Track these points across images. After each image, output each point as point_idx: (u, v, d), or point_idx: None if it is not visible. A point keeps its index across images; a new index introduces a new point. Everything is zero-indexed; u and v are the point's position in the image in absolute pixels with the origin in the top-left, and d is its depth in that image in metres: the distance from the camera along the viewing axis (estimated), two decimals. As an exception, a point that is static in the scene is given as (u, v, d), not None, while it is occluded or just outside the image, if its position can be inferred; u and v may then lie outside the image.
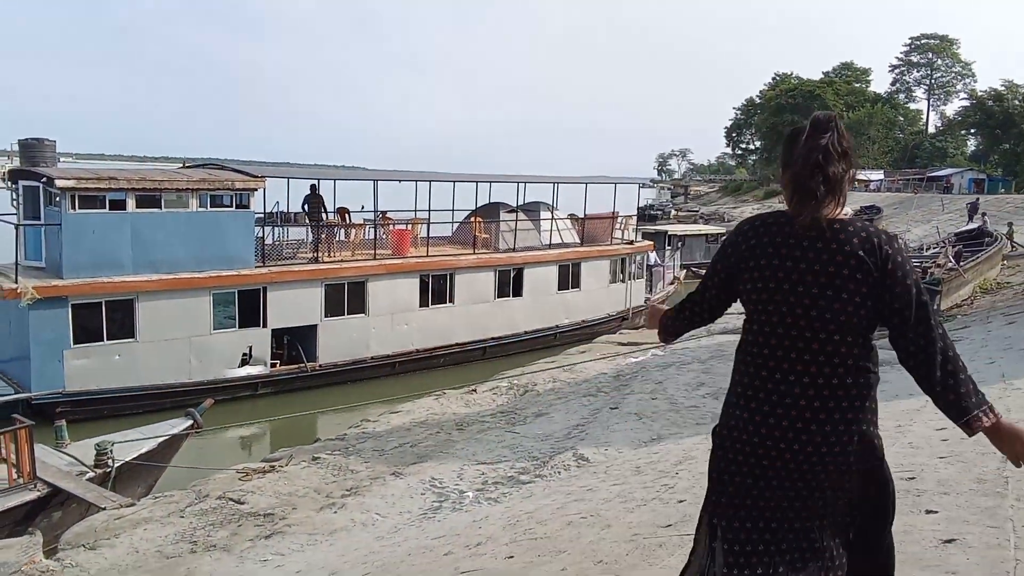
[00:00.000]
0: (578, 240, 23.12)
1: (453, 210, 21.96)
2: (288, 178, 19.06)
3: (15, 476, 8.45)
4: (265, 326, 16.24)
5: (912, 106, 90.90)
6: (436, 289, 19.24)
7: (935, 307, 2.18)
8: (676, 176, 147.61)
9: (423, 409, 13.32)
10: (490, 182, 22.60)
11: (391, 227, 19.78)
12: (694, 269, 34.13)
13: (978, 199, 42.73)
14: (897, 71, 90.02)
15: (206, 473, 10.25)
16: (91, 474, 9.26)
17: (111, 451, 9.45)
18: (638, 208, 28.96)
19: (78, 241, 14.21)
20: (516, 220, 21.34)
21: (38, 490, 8.52)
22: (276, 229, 18.62)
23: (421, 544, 6.40)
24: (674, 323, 2.57)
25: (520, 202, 22.73)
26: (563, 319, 21.95)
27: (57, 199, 14.36)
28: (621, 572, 4.14)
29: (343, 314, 17.42)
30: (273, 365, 16.47)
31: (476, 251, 20.44)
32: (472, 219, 21.46)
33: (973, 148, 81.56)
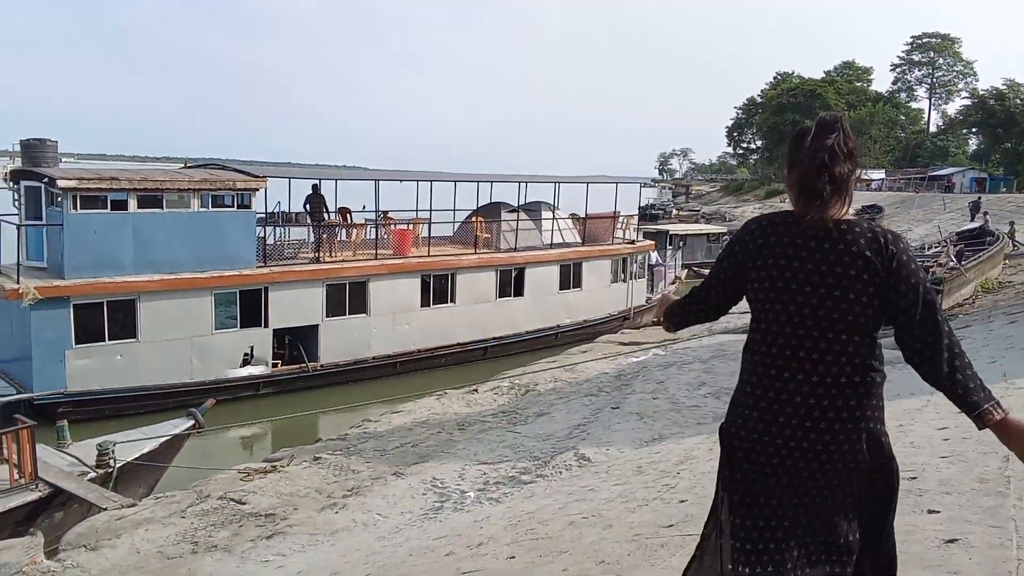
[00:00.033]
0: (579, 240, 23.12)
1: (454, 210, 21.95)
2: (289, 178, 19.07)
3: (17, 476, 8.45)
4: (266, 326, 16.25)
5: (913, 105, 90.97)
6: (437, 289, 19.24)
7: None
8: (677, 175, 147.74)
9: (424, 409, 13.32)
10: (491, 182, 22.59)
11: (392, 227, 19.78)
12: (695, 269, 34.12)
13: (980, 198, 42.69)
14: (898, 70, 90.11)
15: (207, 473, 10.25)
16: (92, 474, 9.26)
17: (112, 451, 9.45)
18: (639, 208, 28.93)
19: (80, 241, 14.22)
20: (517, 220, 21.34)
21: (39, 490, 8.53)
22: (277, 229, 18.63)
23: (422, 544, 6.40)
24: (680, 313, 2.60)
25: (521, 202, 22.74)
26: (564, 319, 21.95)
27: (59, 199, 14.37)
28: (623, 572, 4.13)
29: (344, 314, 17.42)
30: (274, 365, 16.48)
31: (477, 251, 20.44)
32: (473, 219, 21.45)
33: (974, 147, 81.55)
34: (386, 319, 18.05)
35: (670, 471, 6.89)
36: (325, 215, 19.33)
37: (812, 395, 2.14)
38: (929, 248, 27.04)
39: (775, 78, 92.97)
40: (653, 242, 27.83)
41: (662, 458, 7.82)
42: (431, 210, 20.15)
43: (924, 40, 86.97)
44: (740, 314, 2.54)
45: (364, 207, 20.19)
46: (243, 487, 9.28)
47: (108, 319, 14.33)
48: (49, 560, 7.30)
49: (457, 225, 22.38)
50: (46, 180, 14.51)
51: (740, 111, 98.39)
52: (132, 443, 9.99)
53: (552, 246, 22.17)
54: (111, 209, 14.64)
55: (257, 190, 16.45)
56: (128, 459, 9.71)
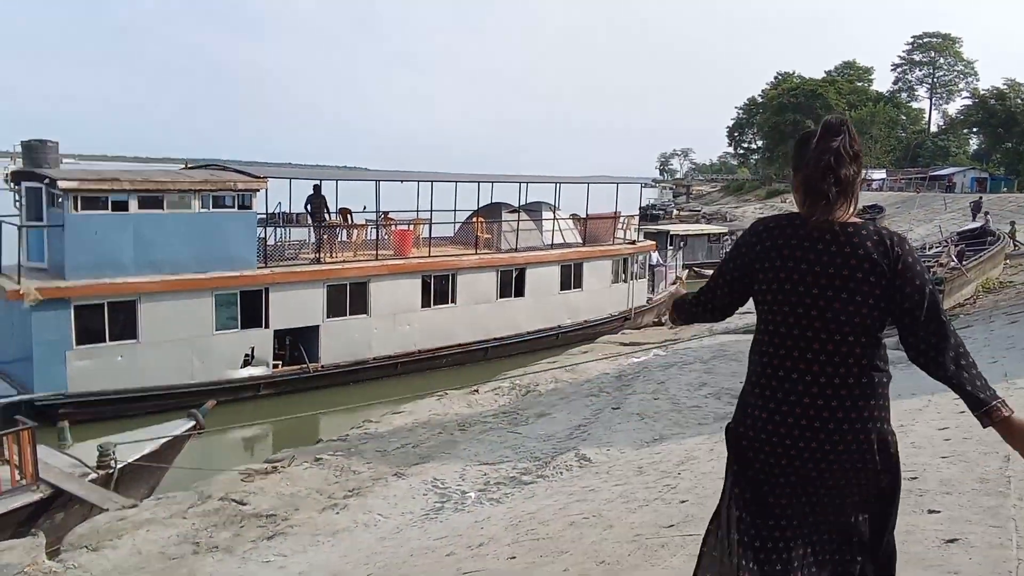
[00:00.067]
0: (580, 240, 23.11)
1: (455, 210, 21.95)
2: (290, 179, 19.06)
3: (18, 477, 8.45)
4: (267, 327, 16.25)
5: (914, 105, 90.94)
6: (438, 289, 19.23)
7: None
8: (678, 176, 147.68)
9: (425, 410, 13.33)
10: (492, 182, 22.59)
11: (393, 227, 19.78)
12: (696, 269, 34.10)
13: (981, 198, 42.65)
14: (899, 70, 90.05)
15: (208, 474, 10.26)
16: (94, 475, 9.26)
17: (114, 452, 9.45)
18: (640, 208, 28.91)
19: (80, 242, 14.22)
20: (518, 220, 21.33)
21: (41, 491, 8.52)
22: (278, 230, 18.63)
23: (423, 545, 6.41)
24: (687, 311, 2.62)
25: (522, 202, 22.72)
26: (565, 319, 21.94)
27: (60, 200, 14.37)
28: (623, 573, 4.14)
29: (345, 315, 17.42)
30: (275, 366, 16.47)
31: (478, 251, 20.44)
32: (474, 219, 21.45)
33: (975, 147, 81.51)
34: (387, 320, 18.05)
35: (671, 471, 6.90)
36: (326, 215, 19.33)
37: (820, 396, 2.16)
38: (930, 248, 27.00)
39: (776, 78, 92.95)
40: (654, 242, 27.80)
41: (663, 458, 7.82)
42: (432, 211, 20.15)
43: (925, 40, 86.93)
44: (740, 314, 2.55)
45: (365, 208, 20.19)
46: (244, 488, 9.30)
47: (109, 320, 14.32)
48: (51, 561, 7.31)
49: (458, 226, 22.38)
50: (47, 181, 14.51)
51: (741, 111, 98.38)
52: (133, 444, 9.99)
53: (553, 246, 22.16)
54: (112, 210, 14.63)
55: (258, 191, 16.45)
56: (129, 460, 9.70)
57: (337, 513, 8.31)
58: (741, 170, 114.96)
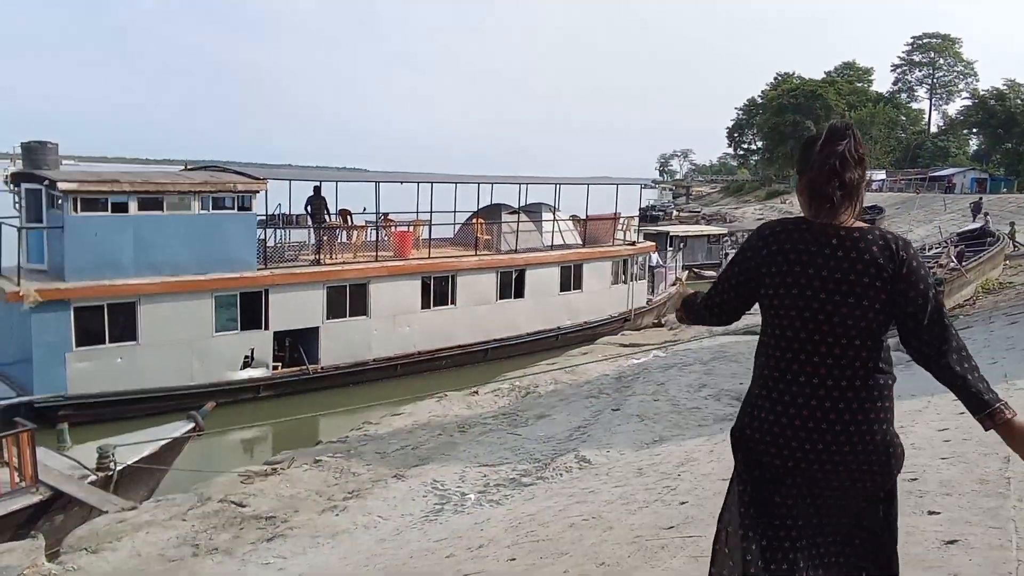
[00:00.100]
0: (580, 241, 23.11)
1: (455, 211, 21.95)
2: (290, 180, 19.07)
3: (17, 479, 8.45)
4: (267, 328, 16.24)
5: (914, 106, 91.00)
6: (438, 291, 19.23)
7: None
8: (678, 176, 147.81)
9: (425, 411, 13.33)
10: (492, 183, 22.58)
11: (393, 229, 19.78)
12: (696, 270, 34.10)
13: (981, 198, 42.64)
14: (899, 70, 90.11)
15: (208, 476, 10.26)
16: (93, 477, 9.26)
17: (113, 454, 9.45)
18: (640, 209, 28.91)
19: (80, 244, 14.21)
20: (518, 221, 21.33)
21: (40, 493, 8.52)
22: (278, 231, 18.63)
23: (423, 546, 6.40)
24: (695, 312, 2.63)
25: (522, 203, 22.73)
26: (565, 320, 21.93)
27: (59, 202, 14.37)
28: (623, 574, 4.13)
29: (345, 316, 17.41)
30: (275, 367, 16.47)
31: (478, 252, 20.43)
32: (474, 220, 21.44)
33: (975, 148, 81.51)
34: (387, 321, 18.05)
35: (671, 473, 6.89)
36: (326, 217, 19.33)
37: (827, 398, 2.18)
38: (930, 249, 27.01)
39: (776, 79, 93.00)
40: (654, 243, 27.80)
41: (663, 460, 7.82)
42: (431, 212, 20.15)
43: (924, 40, 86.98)
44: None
45: (364, 209, 20.19)
46: (244, 490, 9.30)
47: (108, 322, 14.32)
48: (50, 563, 7.31)
49: (458, 227, 22.37)
50: (47, 183, 14.51)
51: (740, 112, 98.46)
52: (132, 446, 9.98)
53: (552, 248, 22.16)
54: (112, 211, 14.63)
55: (257, 192, 16.45)
56: (129, 462, 9.70)
57: (337, 515, 8.30)
58: (741, 171, 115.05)
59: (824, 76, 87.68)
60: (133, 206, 14.78)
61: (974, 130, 75.70)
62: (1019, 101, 63.01)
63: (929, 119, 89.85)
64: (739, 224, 52.66)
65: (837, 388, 2.18)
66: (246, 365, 16.01)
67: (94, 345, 14.21)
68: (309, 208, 19.28)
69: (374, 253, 18.50)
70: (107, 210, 14.61)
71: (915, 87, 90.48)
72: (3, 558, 7.06)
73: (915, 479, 4.47)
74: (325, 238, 18.15)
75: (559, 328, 21.70)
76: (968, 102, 74.29)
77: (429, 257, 19.31)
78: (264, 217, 17.16)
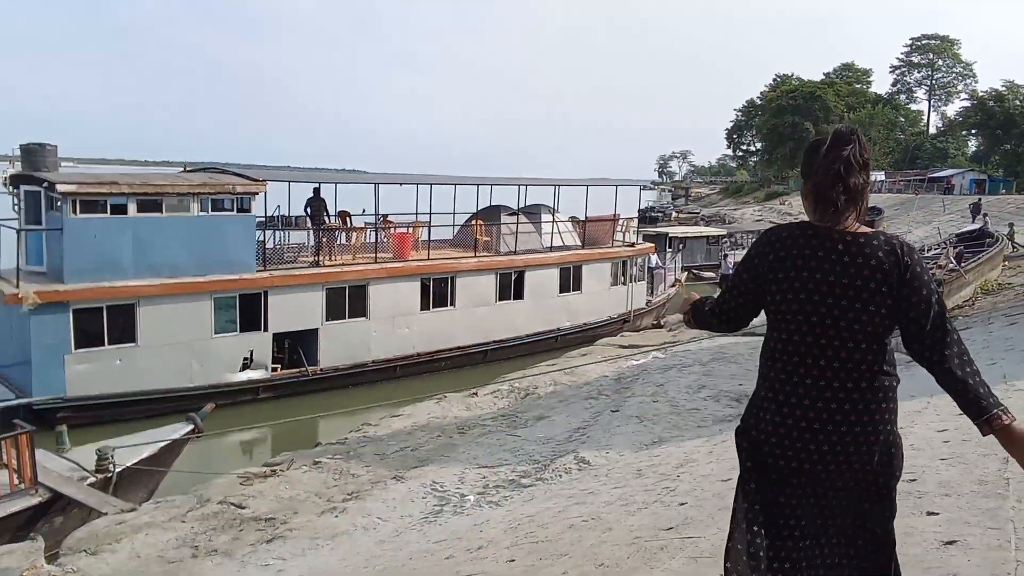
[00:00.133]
0: (579, 243, 23.11)
1: (454, 213, 21.94)
2: (289, 182, 19.07)
3: (16, 481, 8.44)
4: (266, 330, 16.24)
5: (913, 107, 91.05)
6: (437, 292, 19.23)
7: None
8: (677, 178, 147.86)
9: (424, 413, 13.32)
10: (491, 185, 22.58)
11: (392, 230, 19.78)
12: (695, 271, 34.10)
13: (980, 199, 42.64)
14: (898, 72, 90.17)
15: (207, 478, 10.25)
16: (92, 479, 9.25)
17: (112, 456, 9.44)
18: (639, 210, 28.92)
19: (79, 246, 14.20)
20: (517, 223, 21.33)
21: (39, 495, 8.51)
22: (277, 233, 18.63)
23: (422, 548, 6.40)
24: (707, 319, 2.63)
25: (521, 205, 22.73)
26: (564, 322, 21.94)
27: (58, 204, 14.36)
28: (622, 575, 4.13)
29: (344, 318, 17.41)
30: (274, 369, 16.46)
31: (477, 254, 20.44)
32: (473, 222, 21.45)
33: (974, 149, 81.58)
34: (386, 323, 18.05)
35: (670, 474, 6.89)
36: (326, 218, 19.33)
37: (833, 399, 2.21)
38: (929, 250, 27.01)
39: (774, 80, 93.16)
40: (653, 245, 27.80)
41: (662, 461, 7.82)
42: (431, 213, 20.15)
43: (923, 42, 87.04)
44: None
45: (364, 211, 20.20)
46: (243, 491, 9.29)
47: (108, 324, 14.31)
48: (50, 565, 7.30)
49: (457, 228, 22.37)
50: (46, 185, 14.50)
51: (740, 113, 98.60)
52: (132, 448, 9.98)
53: (552, 249, 22.16)
54: (111, 213, 14.62)
55: (256, 194, 16.44)
56: (128, 464, 9.70)
57: (336, 516, 8.30)
58: (740, 172, 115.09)
59: (823, 77, 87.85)
60: (132, 208, 14.78)
61: (973, 131, 75.75)
62: (1018, 102, 63.06)
63: (928, 120, 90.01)
64: (738, 225, 52.59)
65: (843, 390, 2.21)
66: (245, 367, 16.01)
67: (93, 347, 14.20)
68: (309, 210, 19.29)
69: (373, 255, 18.50)
70: (106, 212, 14.61)
71: (914, 88, 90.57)
72: (2, 560, 7.05)
73: (914, 480, 4.47)
74: (324, 240, 18.15)
75: (558, 329, 21.70)
76: (967, 103, 74.38)
77: (428, 259, 19.31)
78: (263, 219, 17.16)
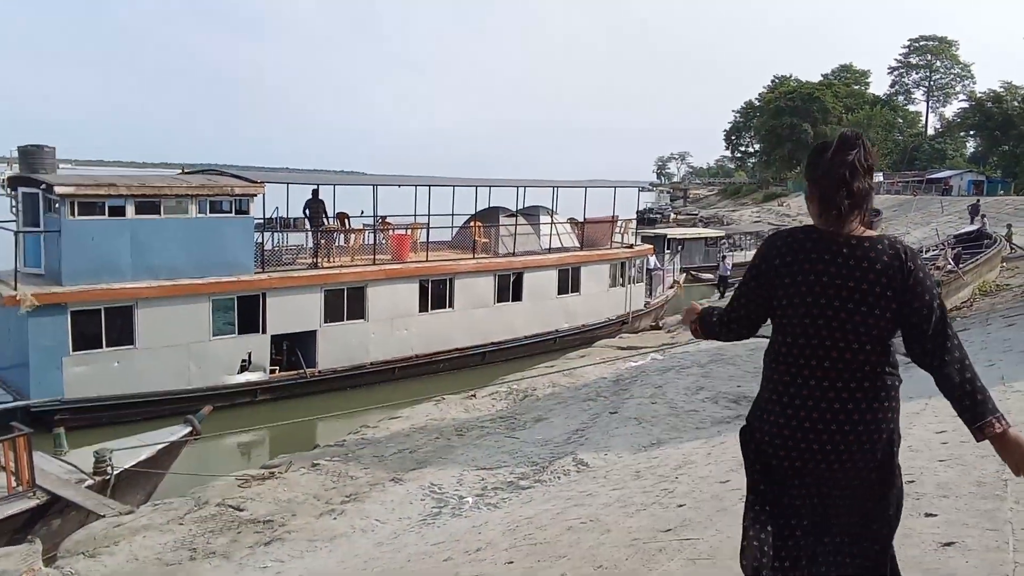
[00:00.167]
0: (578, 244, 23.12)
1: (453, 215, 21.94)
2: (287, 183, 19.06)
3: (14, 484, 8.43)
4: (264, 332, 16.22)
5: (911, 108, 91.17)
6: (436, 294, 19.22)
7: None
8: (675, 179, 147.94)
9: (423, 415, 13.31)
10: (490, 186, 22.58)
11: (391, 232, 19.77)
12: (694, 273, 34.10)
13: (979, 200, 42.67)
14: (896, 73, 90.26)
15: (205, 480, 10.24)
16: (90, 481, 9.24)
17: (110, 458, 9.43)
18: (637, 212, 28.93)
19: (77, 248, 14.19)
20: (516, 224, 21.34)
21: (37, 498, 8.50)
22: (275, 235, 18.62)
23: (421, 550, 6.39)
24: (716, 330, 2.63)
25: (520, 206, 22.73)
26: (563, 323, 21.94)
27: (56, 206, 14.35)
28: (620, 577, 4.12)
29: (342, 320, 17.40)
30: (272, 371, 16.45)
31: (476, 256, 20.44)
32: (472, 223, 21.45)
33: (972, 150, 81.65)
34: (384, 324, 18.04)
35: (668, 476, 6.89)
36: (324, 220, 19.33)
37: (837, 399, 2.24)
38: (927, 251, 27.03)
39: (773, 81, 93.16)
40: (651, 246, 27.79)
41: (660, 463, 7.81)
42: (429, 215, 20.15)
43: (922, 43, 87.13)
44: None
45: (363, 212, 20.19)
46: (241, 494, 9.28)
47: (105, 326, 14.29)
48: (48, 567, 7.29)
49: (455, 230, 22.37)
50: (44, 187, 14.50)
51: (738, 114, 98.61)
52: (129, 450, 9.97)
53: (550, 251, 22.16)
54: (109, 215, 14.61)
55: (255, 196, 16.43)
56: (125, 466, 9.69)
57: (334, 519, 8.29)
58: (738, 173, 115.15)
59: (821, 79, 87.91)
60: (130, 210, 14.77)
61: (971, 132, 75.83)
62: (1016, 103, 63.12)
63: (926, 121, 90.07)
64: (736, 227, 52.56)
65: (846, 390, 2.24)
66: (243, 369, 15.99)
67: (91, 349, 14.18)
68: (307, 211, 19.28)
69: (372, 256, 18.49)
70: (104, 214, 14.60)
71: (912, 89, 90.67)
72: (1, 563, 7.04)
73: (912, 481, 4.47)
74: (323, 241, 18.14)
75: (557, 331, 21.71)
76: (965, 104, 74.38)
77: (427, 260, 19.31)
78: (262, 220, 17.15)
